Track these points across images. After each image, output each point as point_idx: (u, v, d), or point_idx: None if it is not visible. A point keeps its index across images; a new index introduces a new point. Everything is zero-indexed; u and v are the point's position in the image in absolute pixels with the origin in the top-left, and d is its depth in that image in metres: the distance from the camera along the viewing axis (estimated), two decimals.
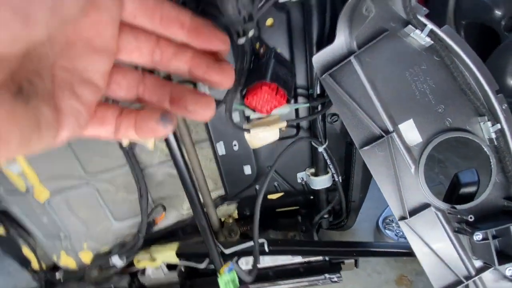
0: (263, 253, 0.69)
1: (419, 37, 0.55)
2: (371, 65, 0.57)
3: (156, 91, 0.23)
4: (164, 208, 0.73)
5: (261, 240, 0.69)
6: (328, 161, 0.76)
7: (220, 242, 0.74)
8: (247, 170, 0.79)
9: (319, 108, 0.66)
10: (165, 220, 0.81)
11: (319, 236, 0.90)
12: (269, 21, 0.60)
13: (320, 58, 0.56)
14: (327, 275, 0.69)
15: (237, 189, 0.84)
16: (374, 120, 0.58)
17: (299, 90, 0.70)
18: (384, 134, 0.57)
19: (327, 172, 0.80)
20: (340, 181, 0.81)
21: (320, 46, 0.61)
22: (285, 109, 0.61)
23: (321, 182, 0.80)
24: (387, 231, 1.00)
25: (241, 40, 0.34)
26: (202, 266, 0.70)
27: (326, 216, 0.87)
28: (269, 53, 0.42)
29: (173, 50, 0.23)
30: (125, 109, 0.23)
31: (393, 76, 0.57)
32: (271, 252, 0.69)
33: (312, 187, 0.82)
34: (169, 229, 0.84)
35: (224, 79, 0.23)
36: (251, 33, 0.37)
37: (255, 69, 0.42)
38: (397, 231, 1.00)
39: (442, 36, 0.54)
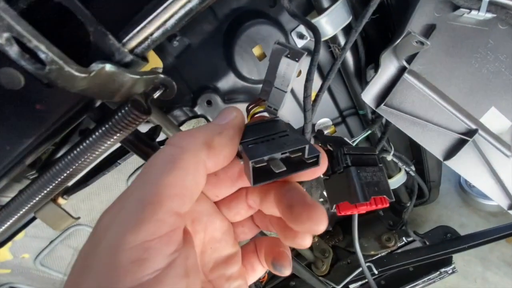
0: (373, 276, 0.70)
1: (477, 16, 0.45)
2: (428, 71, 0.49)
3: (264, 221, 0.23)
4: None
5: (367, 264, 0.70)
6: (399, 163, 0.71)
7: (325, 277, 0.76)
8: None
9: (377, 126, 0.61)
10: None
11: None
12: None
13: (369, 92, 0.50)
14: (442, 270, 0.69)
15: None
16: (452, 127, 0.52)
17: (346, 112, 0.64)
18: (467, 138, 0.51)
19: (400, 170, 0.76)
20: (414, 169, 0.77)
21: (359, 73, 0.54)
22: None
23: (396, 182, 0.76)
24: (473, 189, 0.95)
25: None
26: None
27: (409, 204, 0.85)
28: (341, 155, 0.37)
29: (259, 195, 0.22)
30: (257, 246, 0.24)
31: (457, 70, 0.49)
32: (381, 272, 0.70)
33: None
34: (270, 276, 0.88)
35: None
36: None
37: (335, 181, 0.37)
38: None
39: (505, 2, 0.44)
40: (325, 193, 0.51)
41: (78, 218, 0.40)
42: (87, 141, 0.27)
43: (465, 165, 0.53)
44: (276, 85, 0.24)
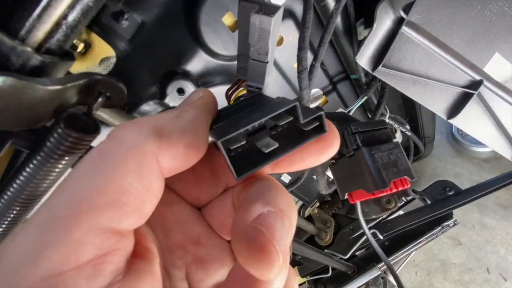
0: (378, 241, 0.70)
1: None
2: (427, 20, 0.42)
3: None
4: None
5: (372, 231, 0.69)
6: (395, 125, 0.67)
7: (330, 246, 0.76)
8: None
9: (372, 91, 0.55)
10: None
11: None
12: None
13: (364, 54, 0.43)
14: (444, 224, 0.70)
15: (314, 193, 0.81)
16: (455, 82, 0.47)
17: (336, 78, 0.58)
18: (472, 91, 0.47)
19: (395, 131, 0.73)
20: (409, 128, 0.74)
21: (348, 31, 0.47)
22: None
23: None
24: (465, 138, 0.94)
25: None
26: (329, 274, 0.75)
27: None
28: (349, 135, 0.31)
29: None
30: None
31: (458, 14, 0.43)
32: (386, 236, 0.70)
33: None
34: None
35: None
36: None
37: (345, 166, 0.32)
38: None
39: None
40: (330, 174, 0.46)
41: None
42: (19, 180, 0.20)
43: (470, 121, 0.50)
44: (252, 56, 0.17)
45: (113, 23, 0.38)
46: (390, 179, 0.29)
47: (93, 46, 0.39)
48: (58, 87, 0.15)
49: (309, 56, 0.36)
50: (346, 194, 0.32)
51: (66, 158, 0.19)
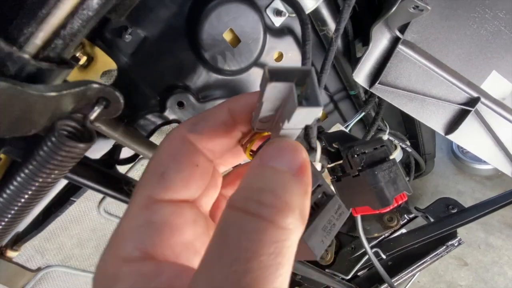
0: (381, 260, 0.67)
1: None
2: (423, 39, 0.43)
3: None
4: None
5: (374, 250, 0.67)
6: (395, 141, 0.67)
7: (331, 266, 0.73)
8: None
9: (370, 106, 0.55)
10: None
11: None
12: (276, 55, 0.47)
13: (361, 71, 0.44)
14: (448, 244, 0.68)
15: None
16: (452, 99, 0.47)
17: (336, 96, 0.59)
18: (469, 108, 0.47)
19: (395, 148, 0.72)
20: (409, 145, 0.74)
21: (347, 49, 0.48)
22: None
23: None
24: (466, 155, 0.94)
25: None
26: None
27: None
28: (352, 157, 0.32)
29: None
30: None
31: (454, 34, 0.44)
32: (389, 256, 0.68)
33: None
34: None
35: None
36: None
37: (349, 184, 0.33)
38: None
39: None
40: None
41: (38, 269, 0.33)
42: (10, 190, 0.19)
43: (468, 137, 0.50)
44: (286, 128, 0.16)
45: (116, 38, 0.39)
46: (393, 196, 0.30)
47: (95, 59, 0.39)
48: (53, 93, 0.15)
49: None
50: (351, 209, 0.33)
51: (62, 167, 0.19)
